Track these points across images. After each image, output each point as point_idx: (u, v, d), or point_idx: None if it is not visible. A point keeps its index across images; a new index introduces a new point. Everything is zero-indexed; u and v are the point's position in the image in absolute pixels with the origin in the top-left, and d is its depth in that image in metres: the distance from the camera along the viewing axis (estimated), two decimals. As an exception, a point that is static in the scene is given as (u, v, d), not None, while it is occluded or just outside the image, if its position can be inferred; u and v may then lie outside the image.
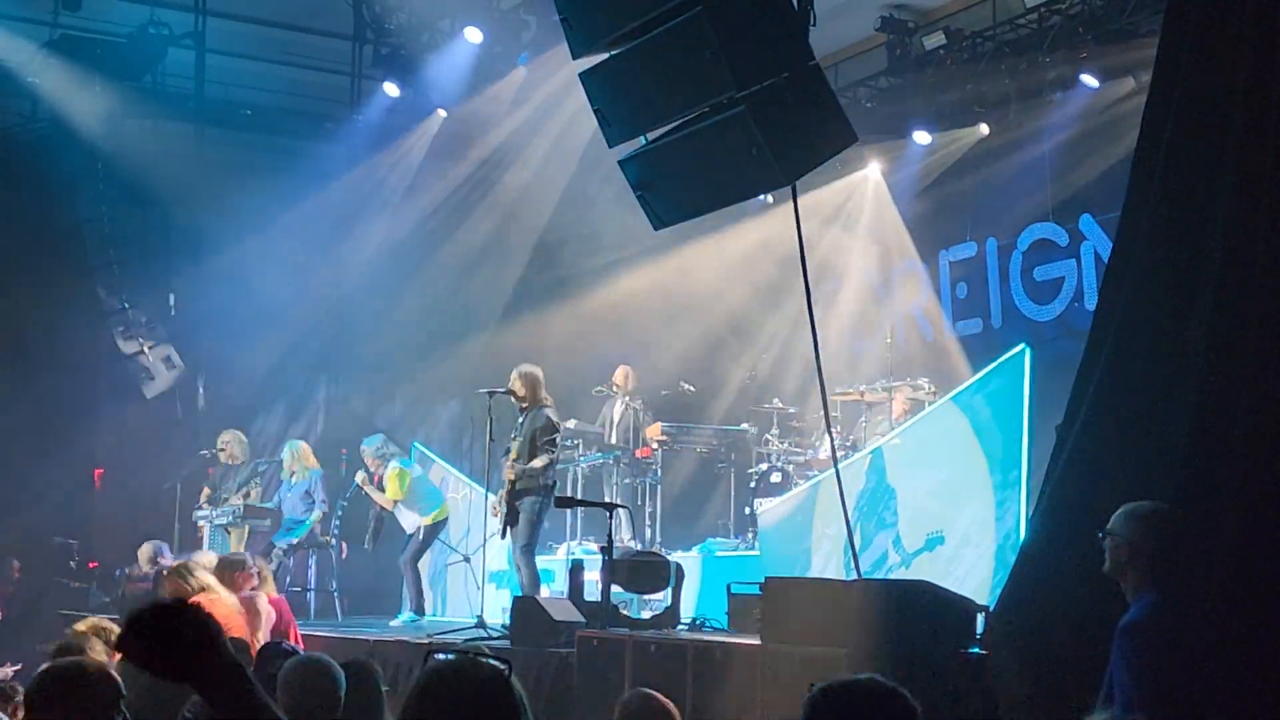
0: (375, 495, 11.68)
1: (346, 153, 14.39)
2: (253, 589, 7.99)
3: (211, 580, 7.55)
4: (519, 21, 13.72)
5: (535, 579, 9.75)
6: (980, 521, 9.26)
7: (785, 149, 6.15)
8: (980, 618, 5.65)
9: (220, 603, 7.26)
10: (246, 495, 12.28)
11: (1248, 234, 4.91)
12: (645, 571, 8.46)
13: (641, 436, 12.33)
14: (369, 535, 11.89)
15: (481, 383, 10.50)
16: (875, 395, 11.68)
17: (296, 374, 14.62)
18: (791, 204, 6.58)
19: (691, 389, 13.34)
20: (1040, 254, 12.50)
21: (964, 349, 12.82)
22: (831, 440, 7.64)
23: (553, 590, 10.28)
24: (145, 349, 13.66)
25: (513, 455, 9.80)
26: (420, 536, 11.68)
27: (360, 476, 11.82)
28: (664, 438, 12.38)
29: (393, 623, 11.19)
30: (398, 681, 7.24)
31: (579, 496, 11.79)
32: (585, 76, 6.90)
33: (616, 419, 12.47)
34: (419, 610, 11.47)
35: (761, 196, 11.95)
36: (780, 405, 12.51)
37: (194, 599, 7.22)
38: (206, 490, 12.55)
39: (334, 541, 12.32)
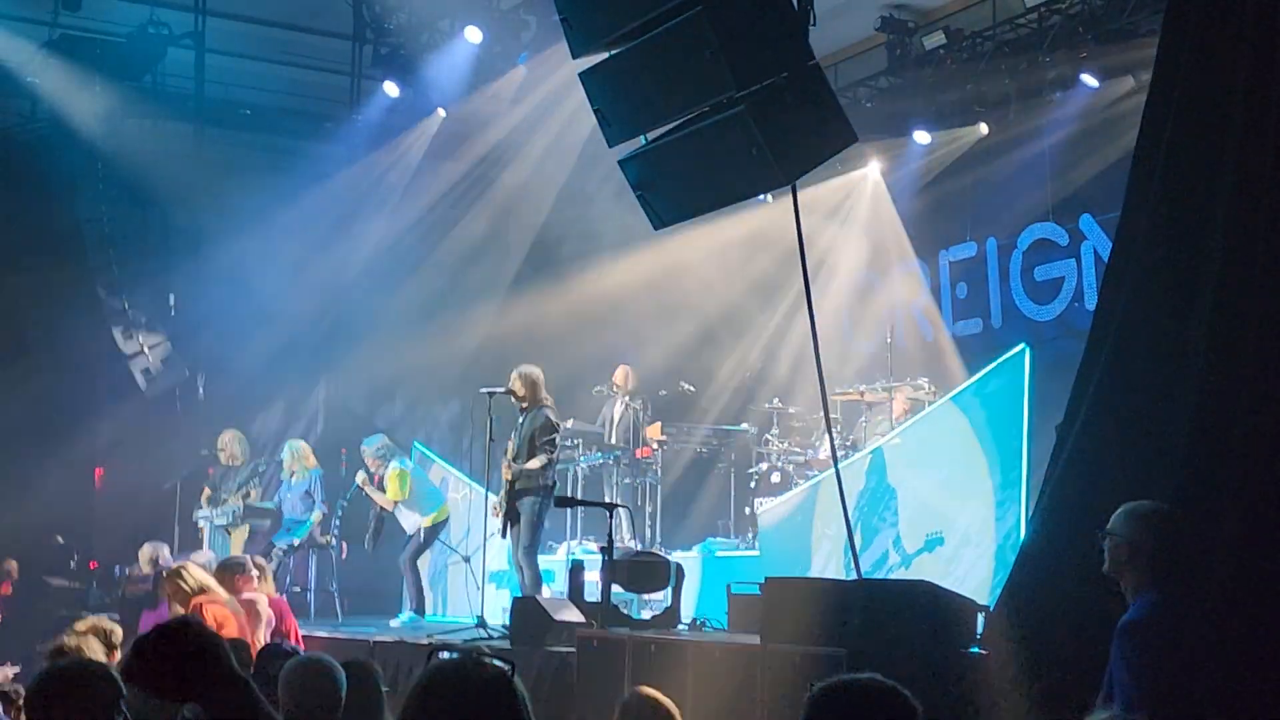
0: (375, 495, 11.67)
1: (346, 152, 14.37)
2: (253, 590, 7.99)
3: (210, 581, 7.55)
4: (519, 21, 13.71)
5: (538, 580, 9.75)
6: (980, 521, 9.27)
7: (785, 149, 6.13)
8: (980, 618, 5.65)
9: (219, 604, 7.28)
10: (246, 495, 12.27)
11: (1248, 234, 4.92)
12: (645, 571, 8.44)
13: (641, 436, 12.33)
14: (369, 535, 11.87)
15: (479, 380, 10.49)
16: (875, 395, 11.69)
17: (296, 373, 14.60)
18: (790, 198, 6.57)
19: (691, 389, 13.33)
20: (1040, 254, 12.50)
21: (964, 349, 12.82)
22: (831, 440, 7.62)
23: (553, 590, 10.27)
24: (145, 348, 13.63)
25: (510, 454, 9.82)
26: (420, 537, 11.67)
27: (360, 477, 11.80)
28: (664, 438, 12.38)
29: (393, 623, 11.18)
30: (398, 681, 7.25)
31: (579, 496, 11.79)
32: (585, 76, 6.89)
33: (616, 419, 12.47)
34: (419, 610, 11.47)
35: (761, 196, 11.94)
36: (780, 405, 12.51)
37: (193, 600, 7.27)
38: (206, 490, 12.53)
39: (334, 542, 12.30)
